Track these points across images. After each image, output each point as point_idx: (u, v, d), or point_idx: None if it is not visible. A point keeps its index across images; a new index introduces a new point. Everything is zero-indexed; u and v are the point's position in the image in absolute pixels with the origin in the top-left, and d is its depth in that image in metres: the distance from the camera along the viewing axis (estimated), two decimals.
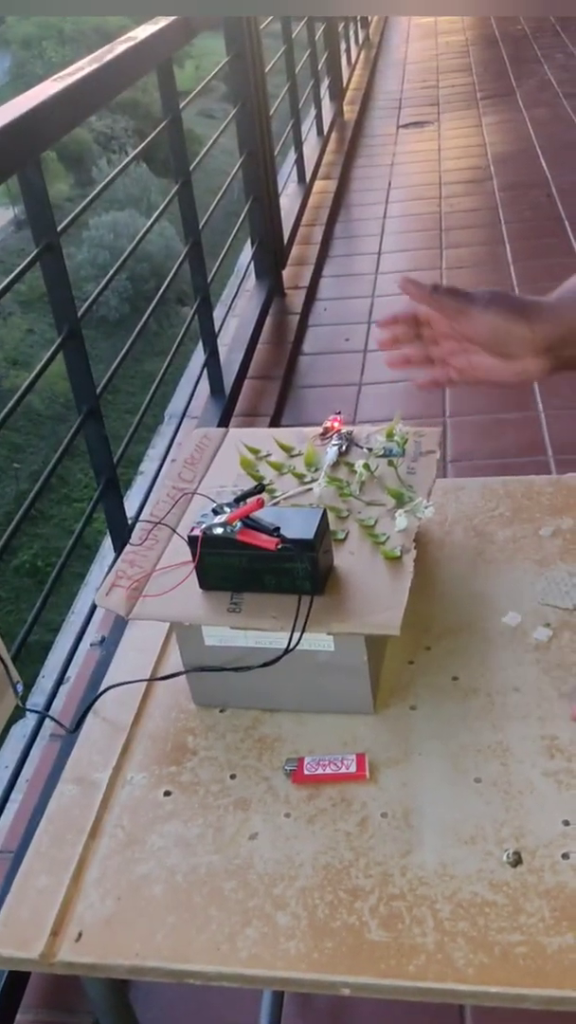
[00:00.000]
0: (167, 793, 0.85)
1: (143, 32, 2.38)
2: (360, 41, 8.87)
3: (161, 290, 2.83)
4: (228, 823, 0.81)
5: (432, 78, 8.02)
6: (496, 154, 5.69)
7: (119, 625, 1.87)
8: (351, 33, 8.17)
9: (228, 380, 3.17)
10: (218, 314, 3.34)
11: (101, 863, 0.80)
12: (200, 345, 3.11)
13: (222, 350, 3.19)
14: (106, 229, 17.71)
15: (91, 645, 2.29)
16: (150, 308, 2.64)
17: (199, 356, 3.17)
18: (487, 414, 3.14)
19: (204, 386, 3.16)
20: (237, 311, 3.74)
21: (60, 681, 2.07)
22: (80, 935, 0.74)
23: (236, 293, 3.87)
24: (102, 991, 0.82)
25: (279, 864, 0.77)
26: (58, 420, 14.75)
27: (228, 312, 3.66)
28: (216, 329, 3.09)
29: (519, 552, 1.06)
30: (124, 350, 2.20)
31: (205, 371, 3.11)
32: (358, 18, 8.97)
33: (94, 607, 2.31)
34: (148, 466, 3.19)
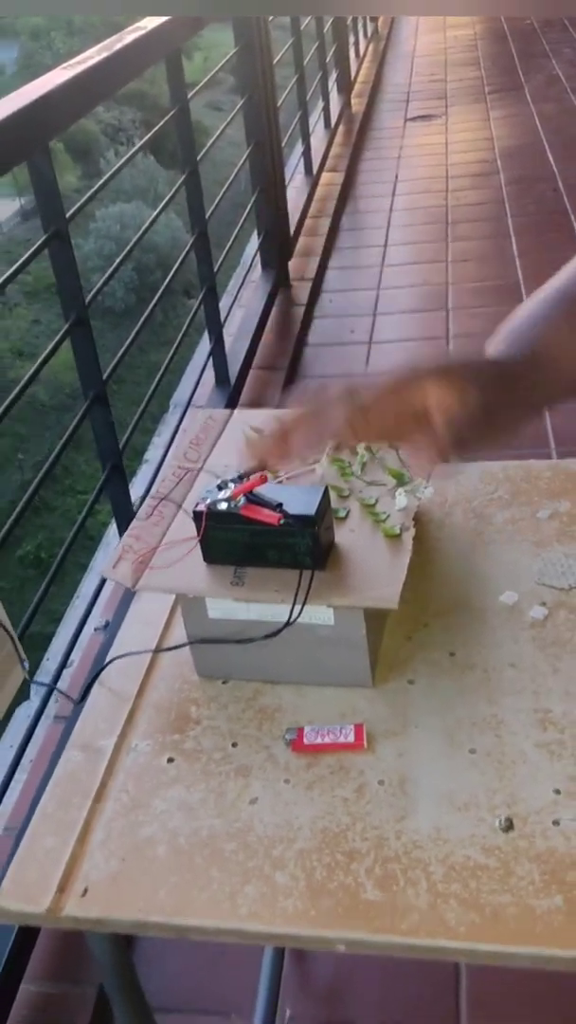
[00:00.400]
0: (170, 760, 0.88)
1: (152, 22, 2.40)
2: (369, 34, 8.87)
3: (167, 279, 2.85)
4: (229, 788, 0.84)
5: (440, 72, 8.02)
6: (503, 148, 5.69)
7: (123, 610, 1.90)
8: (360, 26, 8.18)
9: (233, 370, 3.19)
10: (224, 304, 3.36)
11: (106, 825, 0.82)
12: (206, 334, 3.13)
13: (227, 340, 3.21)
14: (113, 220, 17.72)
15: (95, 629, 2.32)
16: (156, 297, 2.65)
17: (204, 345, 3.20)
18: None
19: (209, 375, 3.19)
20: (243, 302, 3.76)
21: (64, 664, 2.09)
22: (86, 891, 0.77)
23: (242, 284, 3.89)
24: (106, 948, 0.84)
25: (278, 827, 0.80)
26: (63, 411, 14.79)
27: (234, 302, 3.68)
28: (222, 319, 3.11)
29: (517, 534, 1.09)
30: (131, 337, 2.22)
31: (210, 360, 3.13)
32: None
33: (98, 592, 2.34)
34: (153, 454, 3.21)
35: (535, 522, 1.10)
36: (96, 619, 2.33)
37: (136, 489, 2.51)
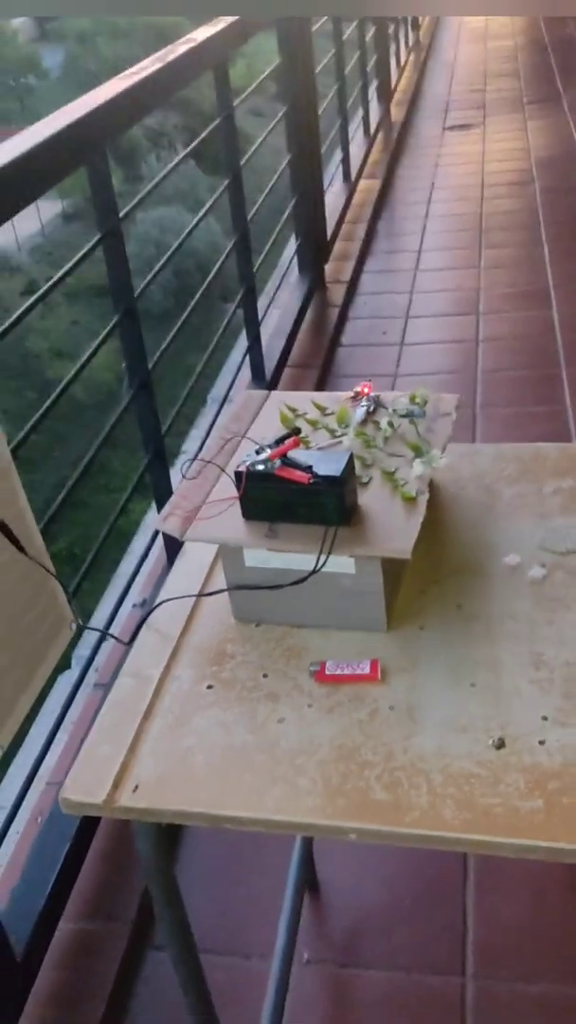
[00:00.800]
0: (209, 687, 1.01)
1: (202, 34, 2.54)
2: (410, 44, 8.99)
3: (207, 281, 2.98)
4: (260, 711, 0.97)
5: (480, 82, 8.13)
6: (539, 158, 5.80)
7: (159, 589, 2.04)
8: (401, 36, 8.31)
9: (269, 367, 3.32)
10: (261, 305, 3.50)
11: (153, 739, 0.96)
12: (244, 333, 3.27)
13: (264, 339, 3.34)
14: (152, 224, 17.98)
15: (133, 606, 2.45)
16: (194, 300, 2.78)
17: (242, 343, 3.33)
18: (517, 407, 3.27)
19: (246, 372, 3.32)
20: (280, 303, 3.89)
21: (103, 638, 2.23)
22: (136, 788, 0.90)
23: (279, 285, 4.03)
24: (152, 843, 0.97)
25: (302, 743, 0.93)
26: (100, 410, 14.99)
27: (271, 303, 3.81)
28: (259, 318, 3.24)
29: (523, 506, 1.21)
30: (176, 326, 2.36)
31: (247, 358, 3.27)
32: (409, 21, 9.09)
33: (136, 572, 2.48)
34: (190, 445, 3.36)
35: (540, 496, 1.22)
36: (135, 596, 2.47)
37: (176, 474, 2.65)
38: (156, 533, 2.50)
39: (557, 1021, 1.54)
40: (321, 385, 3.50)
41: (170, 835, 1.88)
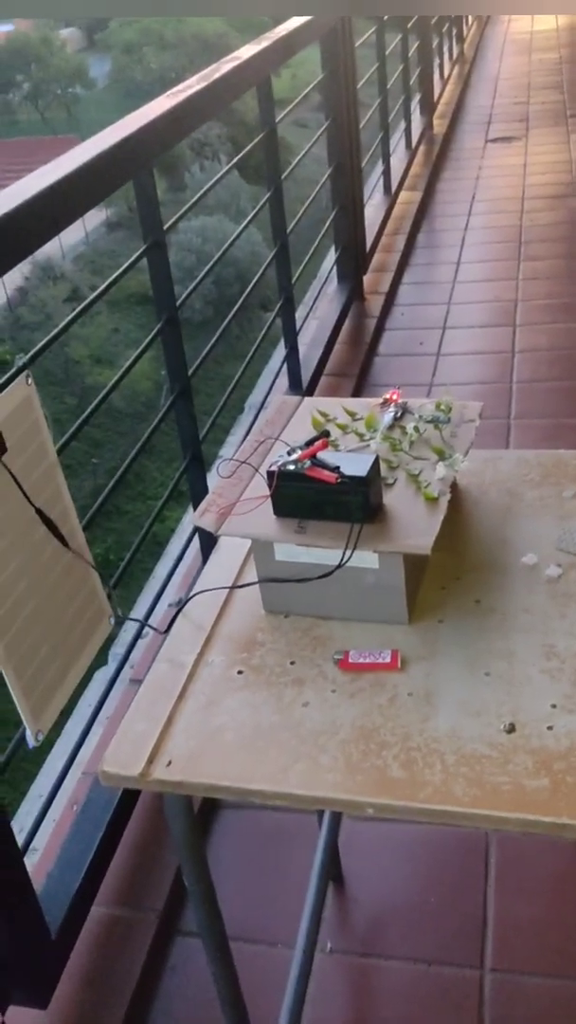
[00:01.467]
0: (240, 672, 1.07)
1: (247, 52, 2.62)
2: (454, 56, 9.05)
3: (247, 291, 3.06)
4: (287, 694, 1.03)
5: (523, 94, 8.17)
6: None
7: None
8: (445, 48, 8.37)
9: (306, 376, 3.39)
10: (300, 315, 3.57)
11: (186, 718, 1.02)
12: (281, 343, 3.34)
13: (301, 348, 3.41)
14: (194, 233, 18.18)
15: (169, 605, 2.53)
16: (234, 309, 2.85)
17: (280, 352, 3.41)
18: (552, 418, 3.31)
19: (283, 381, 3.39)
20: (318, 313, 3.97)
21: (138, 635, 2.31)
22: (170, 763, 0.97)
23: (318, 295, 4.10)
24: (183, 813, 1.04)
25: (325, 724, 0.99)
26: (137, 419, 15.17)
27: (309, 313, 3.89)
28: (297, 328, 3.31)
29: (543, 509, 1.26)
30: (216, 336, 2.44)
31: (285, 366, 3.34)
32: (453, 33, 9.15)
33: (171, 573, 2.55)
34: (227, 452, 3.44)
35: (560, 500, 1.27)
36: (171, 596, 2.54)
37: (212, 478, 2.72)
38: (192, 535, 2.57)
39: (573, 1015, 1.58)
40: (357, 394, 3.57)
41: (200, 827, 1.94)
